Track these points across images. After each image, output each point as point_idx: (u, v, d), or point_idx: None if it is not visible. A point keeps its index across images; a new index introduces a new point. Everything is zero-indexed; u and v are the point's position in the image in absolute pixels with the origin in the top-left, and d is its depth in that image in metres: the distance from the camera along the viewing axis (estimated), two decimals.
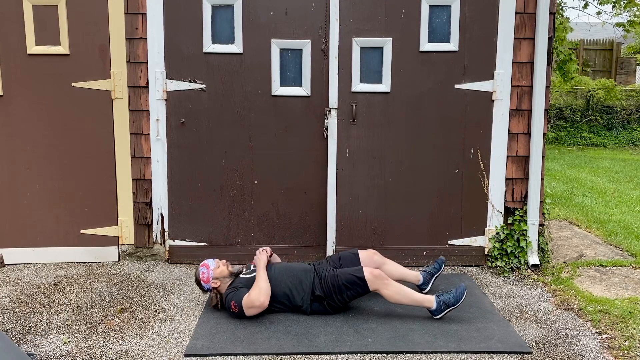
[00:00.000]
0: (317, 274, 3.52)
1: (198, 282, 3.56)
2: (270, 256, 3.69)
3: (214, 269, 3.55)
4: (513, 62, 4.25)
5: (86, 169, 4.35)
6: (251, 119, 4.32)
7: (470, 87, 4.28)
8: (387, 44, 4.23)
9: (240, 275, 3.58)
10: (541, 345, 3.13)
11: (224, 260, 3.64)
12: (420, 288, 3.73)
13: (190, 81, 4.28)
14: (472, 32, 4.23)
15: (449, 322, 3.36)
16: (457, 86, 4.29)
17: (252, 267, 3.61)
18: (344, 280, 3.39)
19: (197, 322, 3.38)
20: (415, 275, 3.75)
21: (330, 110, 4.26)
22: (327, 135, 4.30)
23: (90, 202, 4.38)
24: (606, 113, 12.85)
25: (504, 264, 4.32)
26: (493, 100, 4.29)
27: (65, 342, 3.12)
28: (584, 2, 11.30)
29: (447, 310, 3.36)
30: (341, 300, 3.42)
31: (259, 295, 3.34)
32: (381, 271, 3.42)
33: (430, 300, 3.38)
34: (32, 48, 4.20)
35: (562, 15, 9.65)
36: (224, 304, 3.48)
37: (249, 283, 3.46)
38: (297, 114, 4.32)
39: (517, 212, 4.37)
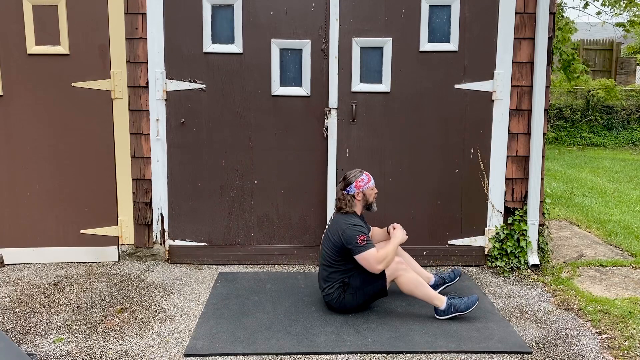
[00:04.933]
0: None
1: (348, 181, 3.52)
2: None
3: (371, 187, 3.56)
4: (513, 62, 4.25)
5: (86, 169, 4.35)
6: (251, 119, 4.32)
7: (470, 87, 4.28)
8: (387, 44, 4.23)
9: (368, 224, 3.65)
10: (541, 345, 3.13)
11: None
12: None
13: (190, 81, 4.28)
14: (472, 32, 4.23)
15: (449, 322, 3.36)
16: (457, 86, 4.29)
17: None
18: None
19: (197, 322, 3.38)
20: (428, 275, 3.77)
21: (330, 110, 4.26)
22: (327, 135, 4.30)
23: (90, 202, 4.38)
24: (606, 113, 12.85)
25: (504, 264, 4.33)
26: (493, 100, 4.29)
27: (61, 340, 3.12)
28: (584, 2, 11.29)
29: (454, 314, 3.37)
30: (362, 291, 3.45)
31: (387, 261, 3.33)
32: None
33: (442, 300, 3.39)
34: (32, 48, 4.20)
35: (563, 16, 9.64)
36: (343, 222, 3.45)
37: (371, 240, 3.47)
38: (297, 114, 4.32)
39: (517, 212, 4.37)
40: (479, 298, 3.46)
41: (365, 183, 3.53)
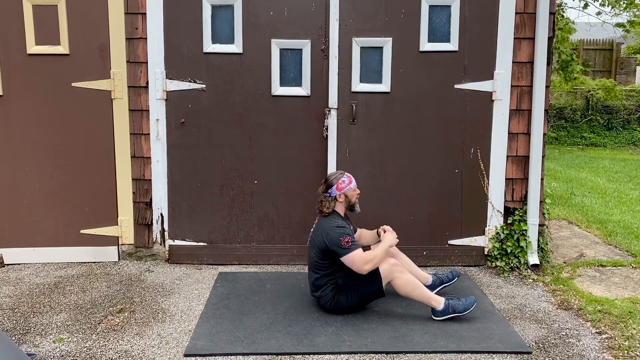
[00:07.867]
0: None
1: (330, 183, 3.51)
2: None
3: (353, 188, 3.55)
4: (513, 62, 4.25)
5: (86, 169, 4.35)
6: (251, 119, 4.32)
7: (470, 87, 4.28)
8: (387, 43, 4.23)
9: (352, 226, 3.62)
10: (541, 345, 3.13)
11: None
12: None
13: (190, 81, 4.28)
14: (472, 32, 4.23)
15: (449, 322, 3.36)
16: (457, 86, 4.29)
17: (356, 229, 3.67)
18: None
19: (197, 322, 3.38)
20: (425, 276, 3.76)
21: (330, 110, 4.26)
22: (327, 135, 4.30)
23: (90, 202, 4.38)
24: (606, 113, 12.85)
25: (504, 264, 4.32)
26: (493, 100, 4.29)
27: (61, 340, 3.12)
28: (584, 3, 11.30)
29: (451, 315, 3.36)
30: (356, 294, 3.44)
31: (374, 262, 3.33)
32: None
33: (439, 301, 3.38)
34: (32, 48, 4.20)
35: (563, 16, 9.64)
36: (327, 224, 3.44)
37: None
38: (297, 114, 4.32)
39: (517, 212, 4.37)
40: (476, 300, 3.45)
41: (346, 184, 3.52)
